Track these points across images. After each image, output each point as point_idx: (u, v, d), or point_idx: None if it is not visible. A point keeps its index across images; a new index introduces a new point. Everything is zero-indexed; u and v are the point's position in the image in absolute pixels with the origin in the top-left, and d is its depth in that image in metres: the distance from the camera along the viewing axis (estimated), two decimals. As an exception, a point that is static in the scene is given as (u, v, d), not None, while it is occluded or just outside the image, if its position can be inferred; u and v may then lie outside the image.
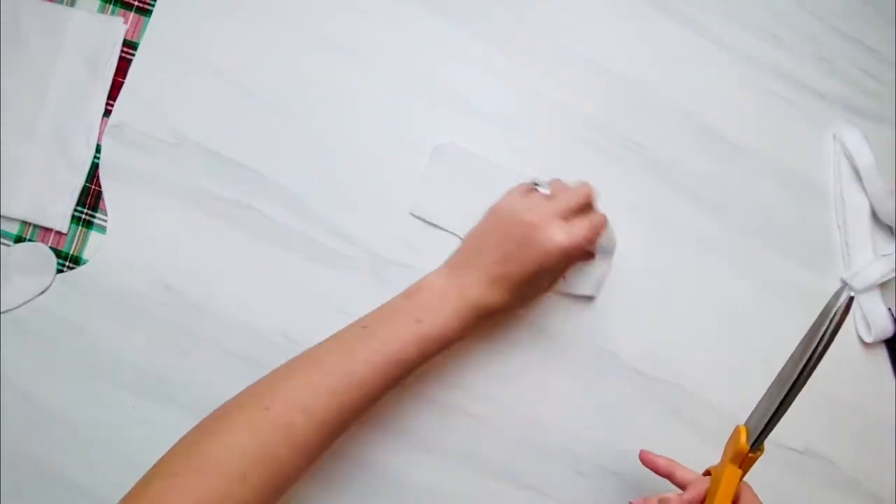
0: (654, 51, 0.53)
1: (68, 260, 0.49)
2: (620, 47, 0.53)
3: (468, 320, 0.42)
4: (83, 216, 0.49)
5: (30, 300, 0.48)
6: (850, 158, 0.52)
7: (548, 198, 0.44)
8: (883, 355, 0.53)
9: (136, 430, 0.47)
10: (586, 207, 0.44)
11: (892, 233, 0.53)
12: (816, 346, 0.34)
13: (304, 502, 0.47)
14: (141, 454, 0.46)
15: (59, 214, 0.49)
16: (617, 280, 0.51)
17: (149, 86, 0.50)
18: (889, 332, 0.51)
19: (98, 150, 0.49)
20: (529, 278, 0.42)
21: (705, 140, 0.53)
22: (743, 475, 0.38)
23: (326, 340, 0.41)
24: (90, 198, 0.50)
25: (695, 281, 0.52)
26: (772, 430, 0.36)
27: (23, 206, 0.49)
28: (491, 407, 0.49)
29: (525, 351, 0.50)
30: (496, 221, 0.44)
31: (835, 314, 0.33)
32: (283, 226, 0.50)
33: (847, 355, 0.52)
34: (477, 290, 0.42)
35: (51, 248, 0.49)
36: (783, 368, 0.37)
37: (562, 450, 0.49)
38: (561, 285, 0.49)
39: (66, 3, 0.50)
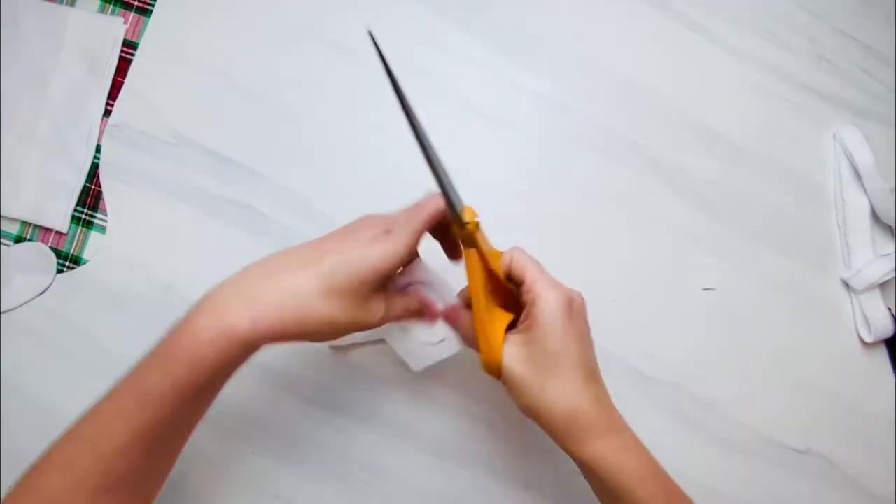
0: (655, 51, 0.53)
1: (68, 260, 0.49)
2: (621, 48, 0.53)
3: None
4: (83, 216, 0.49)
5: (30, 300, 0.48)
6: (850, 158, 0.52)
7: None
8: (883, 355, 0.53)
9: (136, 430, 0.47)
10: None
11: (892, 233, 0.53)
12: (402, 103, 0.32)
13: (305, 502, 0.47)
14: (141, 454, 0.47)
15: (59, 214, 0.49)
16: (616, 280, 0.51)
17: (149, 86, 0.50)
18: (889, 332, 0.51)
19: (98, 150, 0.49)
20: None
21: (706, 140, 0.53)
22: (481, 251, 0.35)
23: None
24: (90, 198, 0.50)
25: (694, 281, 0.52)
26: (450, 197, 0.33)
27: (23, 206, 0.49)
28: (491, 407, 0.49)
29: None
30: None
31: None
32: (282, 225, 0.50)
33: (847, 355, 0.52)
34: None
35: (51, 248, 0.49)
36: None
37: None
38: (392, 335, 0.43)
39: (66, 3, 0.50)
